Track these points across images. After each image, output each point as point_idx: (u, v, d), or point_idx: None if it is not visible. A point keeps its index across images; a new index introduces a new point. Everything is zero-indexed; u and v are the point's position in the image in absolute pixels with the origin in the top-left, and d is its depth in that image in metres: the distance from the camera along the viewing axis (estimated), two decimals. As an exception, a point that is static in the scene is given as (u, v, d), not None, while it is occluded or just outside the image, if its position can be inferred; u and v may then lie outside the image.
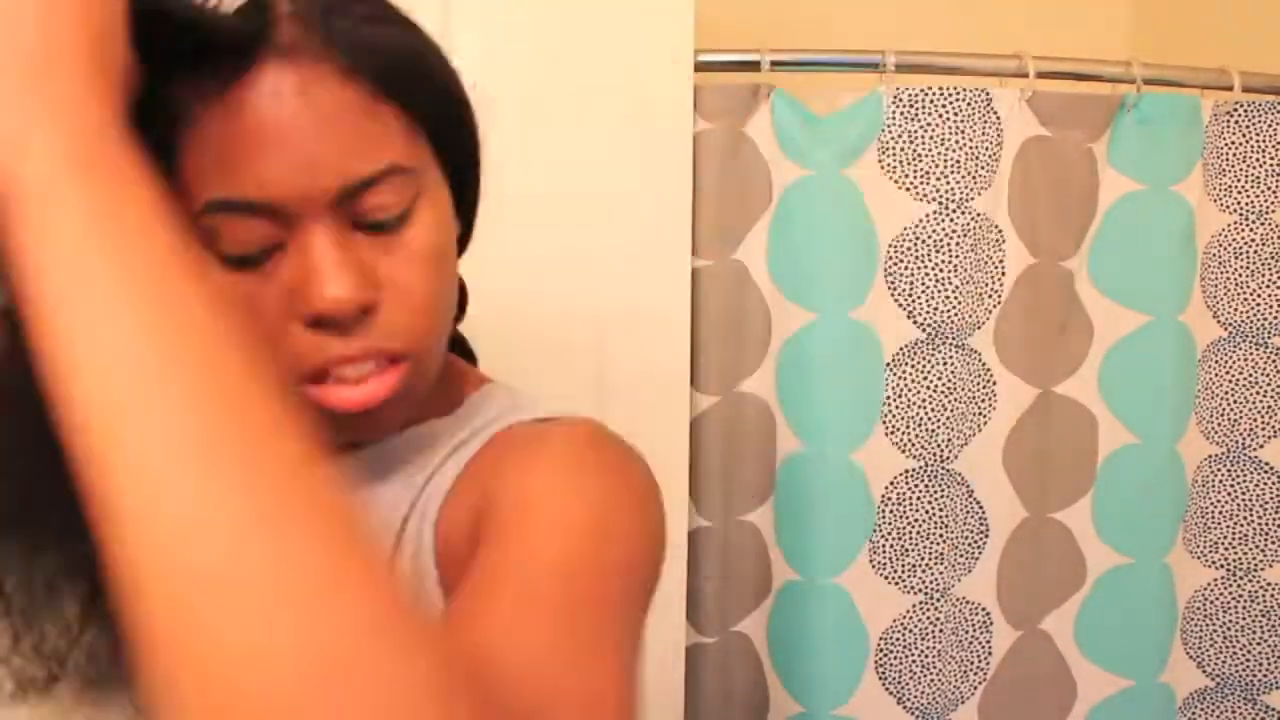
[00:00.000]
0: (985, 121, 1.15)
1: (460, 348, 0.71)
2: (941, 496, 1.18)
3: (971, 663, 1.20)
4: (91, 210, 0.34)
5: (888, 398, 1.16)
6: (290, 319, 0.48)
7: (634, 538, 0.51)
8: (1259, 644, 1.23)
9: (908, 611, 1.18)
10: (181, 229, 0.36)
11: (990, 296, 1.17)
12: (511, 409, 0.58)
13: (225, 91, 0.44)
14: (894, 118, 1.14)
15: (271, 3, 0.46)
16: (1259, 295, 1.21)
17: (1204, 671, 1.24)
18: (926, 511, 1.18)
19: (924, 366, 1.17)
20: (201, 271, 0.35)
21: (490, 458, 0.54)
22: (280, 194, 0.45)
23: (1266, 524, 1.23)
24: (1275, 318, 1.22)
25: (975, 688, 1.20)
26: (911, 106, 1.14)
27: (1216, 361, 1.22)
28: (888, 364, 1.16)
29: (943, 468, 1.18)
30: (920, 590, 1.18)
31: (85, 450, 0.33)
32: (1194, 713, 1.24)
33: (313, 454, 0.34)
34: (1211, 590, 1.24)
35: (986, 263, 1.17)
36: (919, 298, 1.16)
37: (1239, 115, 1.19)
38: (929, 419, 1.17)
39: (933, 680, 1.19)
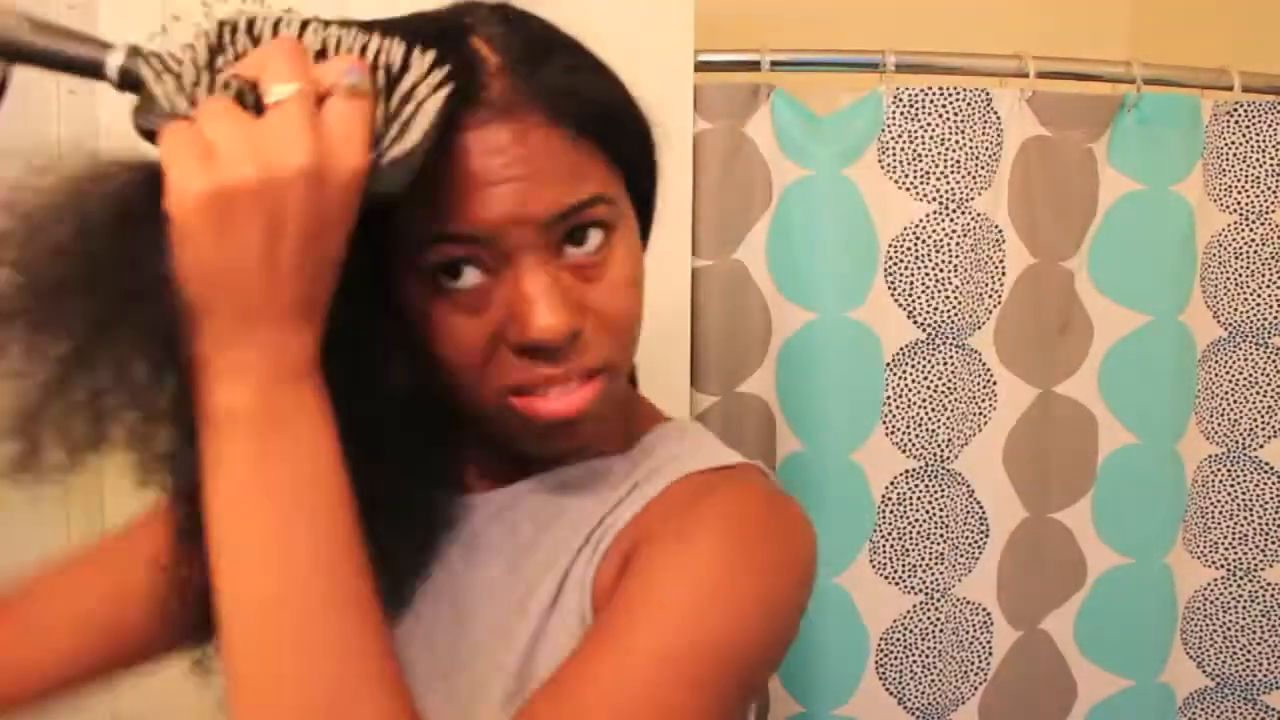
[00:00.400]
0: (985, 121, 1.15)
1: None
2: (942, 496, 1.18)
3: (972, 663, 1.20)
4: (262, 452, 0.44)
5: (888, 398, 1.16)
6: (499, 343, 0.53)
7: (755, 633, 0.52)
8: (1259, 644, 1.23)
9: (908, 612, 1.18)
10: (337, 469, 0.46)
11: (990, 296, 1.17)
12: (684, 454, 0.61)
13: (451, 142, 0.49)
14: (894, 118, 1.14)
15: (481, 60, 0.51)
16: (1259, 295, 1.21)
17: (1204, 671, 1.24)
18: (927, 511, 1.18)
19: (924, 366, 1.17)
20: (342, 498, 0.45)
21: (658, 510, 0.57)
22: (496, 226, 0.50)
23: (1266, 524, 1.23)
24: (1275, 318, 1.22)
25: (976, 688, 1.20)
26: (911, 106, 1.14)
27: (1216, 361, 1.22)
28: (888, 364, 1.16)
29: (943, 468, 1.18)
30: (921, 590, 1.18)
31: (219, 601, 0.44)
32: (1194, 713, 1.24)
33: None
34: (1211, 590, 1.24)
35: (986, 263, 1.17)
36: (919, 298, 1.16)
37: (1239, 115, 1.19)
38: (929, 419, 1.17)
39: (933, 681, 1.19)
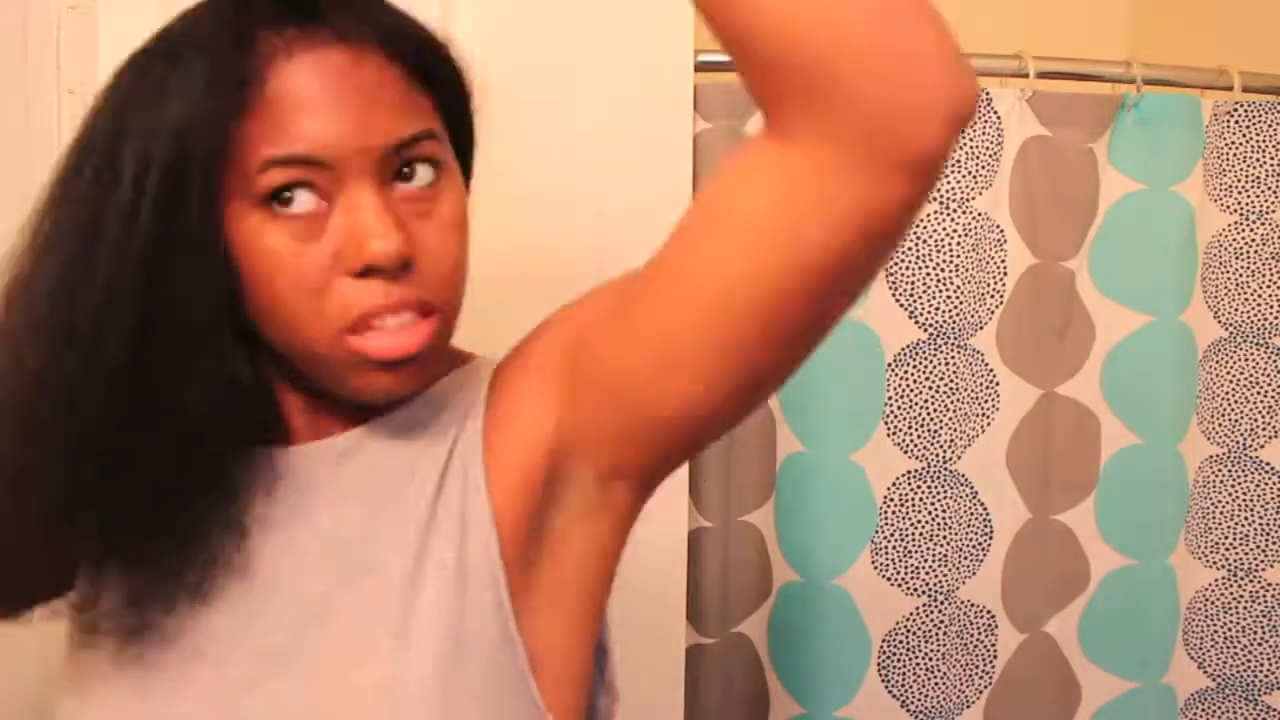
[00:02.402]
0: (986, 121, 1.15)
1: None
2: (945, 498, 1.17)
3: (977, 666, 1.19)
4: None
5: (889, 398, 1.16)
6: (336, 273, 0.52)
7: None
8: (1260, 644, 1.23)
9: (911, 613, 1.17)
10: None
11: (992, 297, 1.17)
12: (483, 365, 0.63)
13: (287, 62, 0.51)
14: (894, 118, 1.14)
15: None
16: (1259, 295, 1.21)
17: (1205, 672, 1.24)
18: (929, 513, 1.17)
19: (926, 367, 1.16)
20: None
21: (499, 390, 0.59)
22: (334, 150, 0.51)
23: (1267, 524, 1.23)
24: (1275, 318, 1.21)
25: (980, 691, 1.19)
26: (912, 106, 1.14)
27: (1217, 362, 1.22)
28: (889, 364, 1.16)
29: (945, 469, 1.18)
30: (924, 592, 1.17)
31: None
32: (1195, 713, 1.24)
33: None
34: (1212, 591, 1.23)
35: (988, 263, 1.16)
36: (920, 298, 1.16)
37: (1239, 115, 1.19)
38: (931, 420, 1.17)
39: (937, 684, 1.18)
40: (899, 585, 1.17)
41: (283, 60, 0.51)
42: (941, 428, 1.17)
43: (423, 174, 0.54)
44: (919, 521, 1.17)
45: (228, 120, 0.50)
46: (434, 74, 0.56)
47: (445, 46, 0.58)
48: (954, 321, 1.16)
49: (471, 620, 0.54)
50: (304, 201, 0.51)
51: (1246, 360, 1.22)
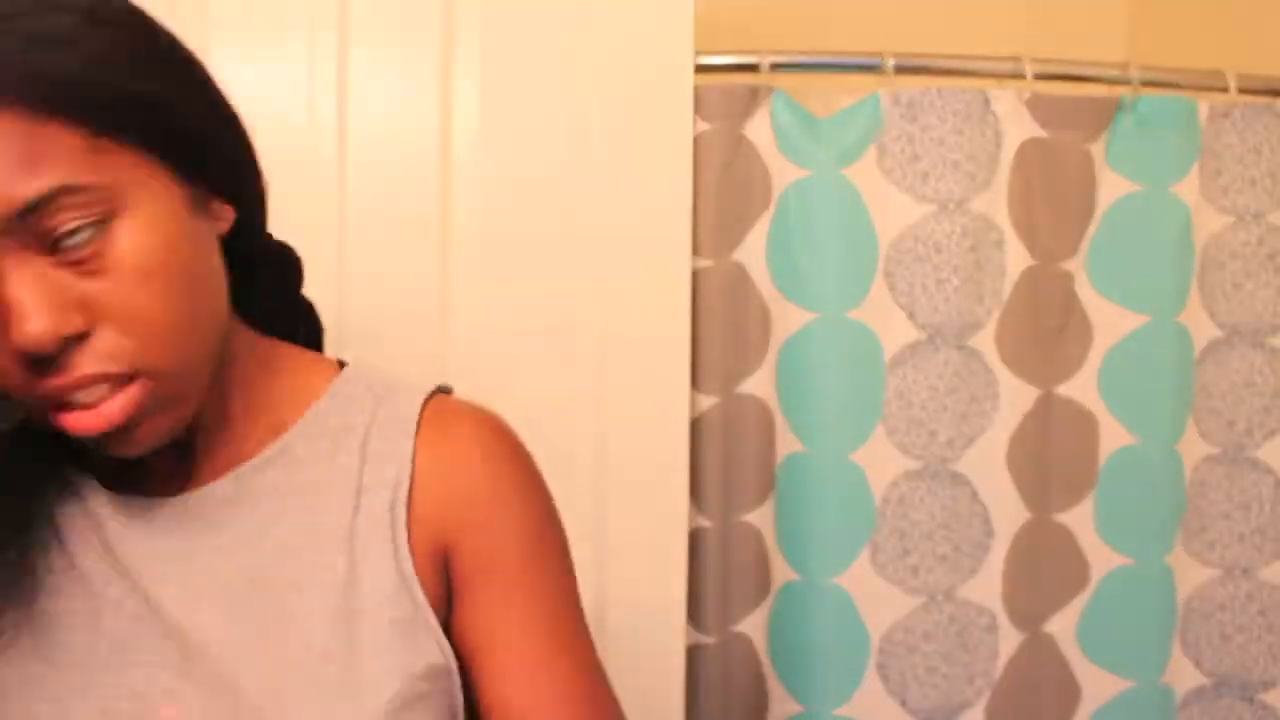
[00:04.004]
0: (984, 123, 1.16)
1: (305, 323, 0.70)
2: (944, 498, 1.18)
3: (977, 666, 1.19)
4: None
5: (889, 398, 1.16)
6: (17, 357, 0.47)
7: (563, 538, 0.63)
8: (1256, 642, 1.23)
9: (911, 613, 1.18)
10: None
11: (991, 297, 1.17)
12: (386, 401, 0.60)
13: None
14: (893, 119, 1.15)
15: None
16: (1255, 296, 1.22)
17: (1201, 670, 1.24)
18: (929, 512, 1.18)
19: (925, 367, 1.17)
20: None
21: (434, 484, 0.58)
22: None
23: (1263, 523, 1.23)
24: (1272, 318, 1.22)
25: (981, 691, 1.19)
26: (910, 108, 1.15)
27: (1214, 362, 1.23)
28: (889, 364, 1.16)
29: (945, 468, 1.18)
30: (923, 592, 1.18)
31: None
32: (1192, 712, 1.24)
33: None
34: (1209, 589, 1.24)
35: (986, 263, 1.17)
36: (919, 298, 1.16)
37: (1235, 117, 1.20)
38: (930, 420, 1.17)
39: (937, 683, 1.19)
40: (899, 585, 1.17)
41: None
42: (941, 428, 1.17)
43: (84, 229, 0.46)
44: (919, 521, 1.17)
45: None
46: (79, 106, 0.46)
47: (99, 67, 0.48)
48: (953, 322, 1.17)
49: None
50: None
51: (1243, 360, 1.22)
